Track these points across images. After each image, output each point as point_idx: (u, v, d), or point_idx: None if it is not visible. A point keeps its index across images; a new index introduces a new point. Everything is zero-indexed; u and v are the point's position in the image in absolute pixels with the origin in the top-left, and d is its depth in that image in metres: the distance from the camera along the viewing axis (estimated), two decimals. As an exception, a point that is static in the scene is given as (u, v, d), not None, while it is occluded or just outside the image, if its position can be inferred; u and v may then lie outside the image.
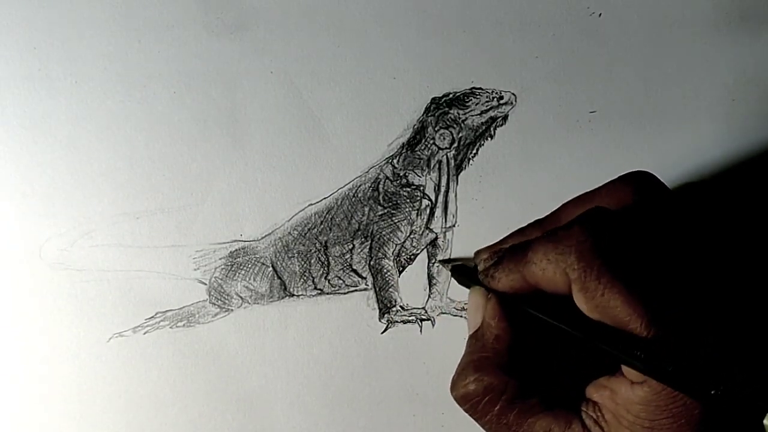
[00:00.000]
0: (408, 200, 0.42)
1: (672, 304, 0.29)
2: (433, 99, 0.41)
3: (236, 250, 0.42)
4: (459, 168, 0.42)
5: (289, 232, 0.42)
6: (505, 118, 0.41)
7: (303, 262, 0.42)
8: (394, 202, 0.42)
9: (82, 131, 0.41)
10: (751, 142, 0.41)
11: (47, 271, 0.41)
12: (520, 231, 0.36)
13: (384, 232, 0.42)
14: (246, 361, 0.41)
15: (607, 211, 0.32)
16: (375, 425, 0.42)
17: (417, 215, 0.42)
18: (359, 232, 0.42)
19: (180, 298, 0.41)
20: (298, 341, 0.41)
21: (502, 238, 0.36)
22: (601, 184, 0.35)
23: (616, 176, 0.35)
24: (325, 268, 0.42)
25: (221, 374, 0.42)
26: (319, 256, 0.42)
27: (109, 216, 0.41)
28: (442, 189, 0.42)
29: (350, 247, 0.42)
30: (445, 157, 0.42)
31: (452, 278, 0.40)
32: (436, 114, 0.41)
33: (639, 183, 0.34)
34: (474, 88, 0.41)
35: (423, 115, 0.41)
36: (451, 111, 0.41)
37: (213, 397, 0.42)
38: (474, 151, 0.42)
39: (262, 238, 0.42)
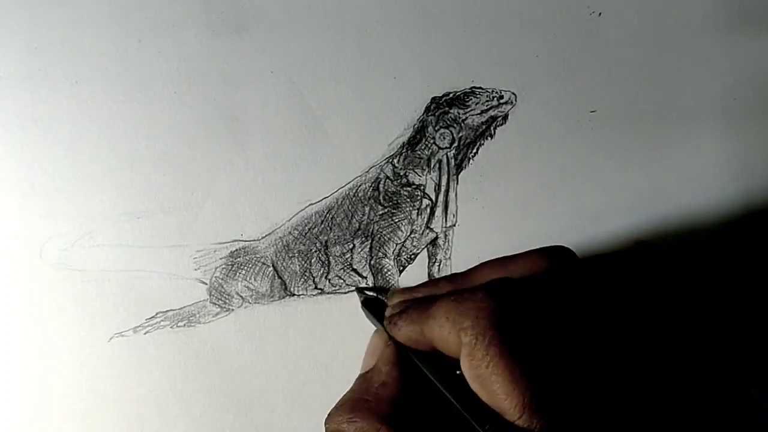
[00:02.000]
0: (408, 200, 0.42)
1: (555, 398, 0.29)
2: (434, 98, 0.41)
3: (237, 249, 0.42)
4: (459, 167, 0.42)
5: (290, 232, 0.42)
6: (505, 117, 0.41)
7: (303, 262, 0.42)
8: (395, 202, 0.42)
9: (83, 131, 0.41)
10: (751, 141, 0.41)
11: (48, 271, 0.41)
12: (434, 282, 0.36)
13: (384, 232, 0.42)
14: (246, 360, 0.42)
15: (515, 284, 0.31)
16: (376, 425, 0.42)
17: (417, 215, 0.42)
18: (360, 232, 0.42)
19: (181, 298, 0.41)
20: (299, 341, 0.41)
21: (416, 284, 0.36)
22: (519, 252, 0.34)
23: (534, 248, 0.34)
24: (326, 268, 0.42)
25: (222, 374, 0.42)
26: (320, 255, 0.42)
27: (110, 216, 0.41)
28: (443, 188, 0.42)
29: (351, 246, 0.42)
30: (445, 156, 0.42)
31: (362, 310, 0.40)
32: (437, 113, 0.41)
33: (556, 257, 0.33)
34: (474, 87, 0.41)
35: (423, 114, 0.41)
36: (452, 110, 0.41)
37: (214, 396, 0.42)
38: (474, 151, 0.42)
39: (263, 237, 0.42)
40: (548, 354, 0.30)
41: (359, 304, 0.41)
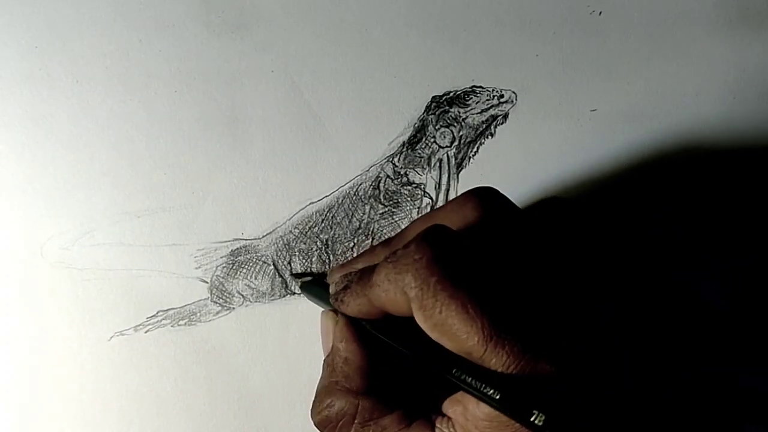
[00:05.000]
0: (409, 199, 0.42)
1: (511, 325, 0.28)
2: (434, 97, 0.41)
3: (237, 248, 0.42)
4: (460, 166, 0.42)
5: (290, 231, 0.42)
6: (505, 116, 0.41)
7: (304, 261, 0.42)
8: (395, 201, 0.42)
9: (83, 130, 0.41)
10: (751, 140, 0.42)
11: (48, 270, 0.41)
12: (370, 251, 0.36)
13: (385, 231, 0.42)
14: (247, 359, 0.42)
15: (445, 228, 0.31)
16: (376, 423, 0.42)
17: (418, 214, 0.42)
18: (360, 231, 0.42)
19: (181, 297, 0.41)
20: (300, 339, 0.42)
21: (353, 257, 0.36)
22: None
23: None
24: (327, 267, 0.42)
25: (222, 373, 0.42)
26: (321, 254, 0.42)
27: (111, 215, 0.41)
28: (443, 187, 0.42)
29: (351, 245, 0.42)
30: (445, 155, 0.42)
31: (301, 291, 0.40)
32: (437, 112, 0.41)
33: (483, 199, 0.33)
34: (474, 86, 0.41)
35: (424, 113, 0.41)
36: (452, 109, 0.41)
37: (214, 395, 0.42)
38: (475, 150, 0.42)
39: (264, 236, 0.42)
40: (495, 287, 0.29)
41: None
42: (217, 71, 0.41)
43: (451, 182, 0.42)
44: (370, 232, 0.42)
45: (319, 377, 0.35)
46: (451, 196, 0.42)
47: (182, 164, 0.41)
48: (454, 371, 0.29)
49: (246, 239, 0.42)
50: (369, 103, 0.41)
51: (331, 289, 0.35)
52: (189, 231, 0.41)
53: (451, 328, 0.29)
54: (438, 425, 0.31)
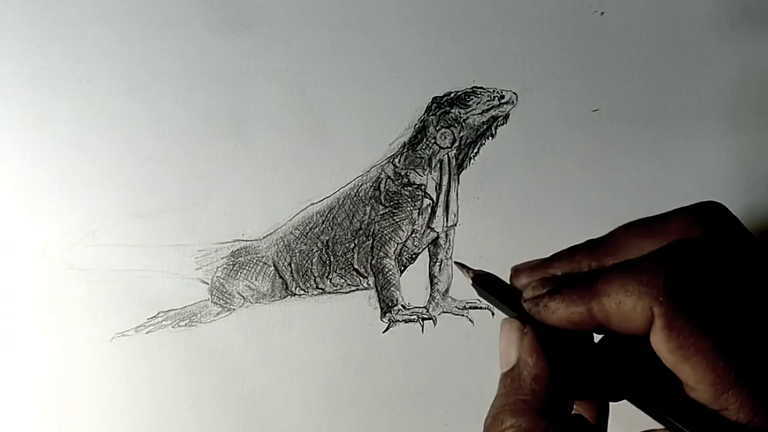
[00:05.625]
0: (409, 199, 0.42)
1: (760, 373, 0.26)
2: (435, 98, 0.41)
3: (238, 249, 0.42)
4: (460, 167, 0.42)
5: (291, 232, 0.42)
6: (506, 117, 0.41)
7: (305, 262, 0.42)
8: (396, 202, 0.42)
9: (86, 130, 0.41)
10: (752, 140, 0.41)
11: (51, 270, 0.41)
12: (569, 255, 0.32)
13: (385, 232, 0.42)
14: (248, 360, 0.41)
15: (693, 247, 0.29)
16: (378, 423, 0.42)
17: (418, 214, 0.42)
18: (361, 232, 0.42)
19: (182, 298, 0.41)
20: (300, 340, 0.41)
21: (540, 260, 0.32)
22: (664, 212, 0.30)
23: (682, 205, 0.31)
24: (327, 268, 0.42)
25: (223, 373, 0.41)
26: (321, 255, 0.42)
27: (113, 215, 0.41)
28: (444, 188, 0.41)
29: (352, 246, 0.42)
30: (446, 156, 0.42)
31: (473, 287, 0.34)
32: (438, 113, 0.41)
33: (712, 218, 0.30)
34: (475, 87, 0.41)
35: (424, 114, 0.41)
36: (453, 110, 0.41)
37: (215, 395, 0.41)
38: (475, 150, 0.42)
39: (264, 237, 0.42)
40: (743, 324, 0.28)
41: (359, 303, 0.41)
42: (221, 71, 0.41)
43: (452, 183, 0.41)
44: (370, 233, 0.42)
45: (496, 393, 0.32)
46: (452, 196, 0.41)
47: (185, 165, 0.41)
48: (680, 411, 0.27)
49: (247, 240, 0.42)
50: (370, 104, 0.41)
51: (528, 293, 0.31)
52: (190, 232, 0.41)
53: (693, 356, 0.27)
54: None
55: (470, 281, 0.33)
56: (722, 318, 0.27)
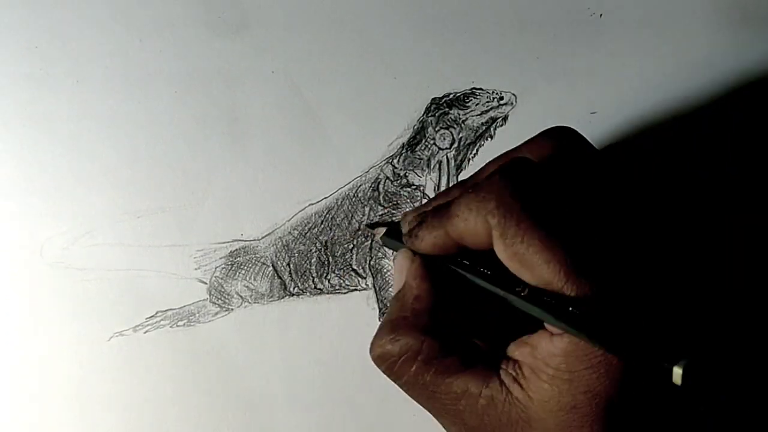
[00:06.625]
0: (408, 200, 0.42)
1: (591, 256, 0.29)
2: (434, 99, 0.41)
3: (236, 249, 0.42)
4: (459, 168, 0.42)
5: (290, 232, 0.42)
6: (505, 118, 0.41)
7: (303, 262, 0.42)
8: (395, 203, 0.42)
9: (83, 130, 0.41)
10: (752, 141, 0.41)
11: (48, 269, 0.41)
12: (444, 192, 0.35)
13: (384, 232, 0.42)
14: (246, 360, 0.42)
15: (528, 161, 0.31)
16: (375, 425, 0.42)
17: (417, 215, 0.42)
18: (359, 232, 0.42)
19: (180, 298, 0.41)
20: (298, 341, 0.41)
21: (425, 201, 0.36)
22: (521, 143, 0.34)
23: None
24: (326, 268, 0.42)
25: (221, 374, 0.42)
26: (320, 255, 0.42)
27: (110, 215, 0.41)
28: (443, 189, 0.42)
29: (350, 246, 0.42)
30: (445, 157, 0.42)
31: (380, 241, 0.39)
32: (437, 114, 0.41)
33: (561, 138, 0.34)
34: (474, 88, 0.41)
35: (423, 115, 0.41)
36: (452, 111, 0.41)
37: (213, 396, 0.42)
38: (474, 152, 0.42)
39: (263, 237, 0.42)
40: (578, 220, 0.30)
41: (358, 304, 0.41)
42: (217, 72, 0.41)
43: (451, 184, 0.41)
44: (369, 234, 0.42)
45: (386, 312, 0.35)
46: (451, 197, 0.42)
47: (182, 165, 0.41)
48: (545, 298, 0.29)
49: (245, 240, 0.42)
50: (368, 105, 0.41)
51: (404, 228, 0.34)
52: (188, 231, 0.41)
53: (531, 257, 0.29)
54: (504, 367, 0.31)
55: (379, 240, 0.38)
56: (557, 224, 0.29)
